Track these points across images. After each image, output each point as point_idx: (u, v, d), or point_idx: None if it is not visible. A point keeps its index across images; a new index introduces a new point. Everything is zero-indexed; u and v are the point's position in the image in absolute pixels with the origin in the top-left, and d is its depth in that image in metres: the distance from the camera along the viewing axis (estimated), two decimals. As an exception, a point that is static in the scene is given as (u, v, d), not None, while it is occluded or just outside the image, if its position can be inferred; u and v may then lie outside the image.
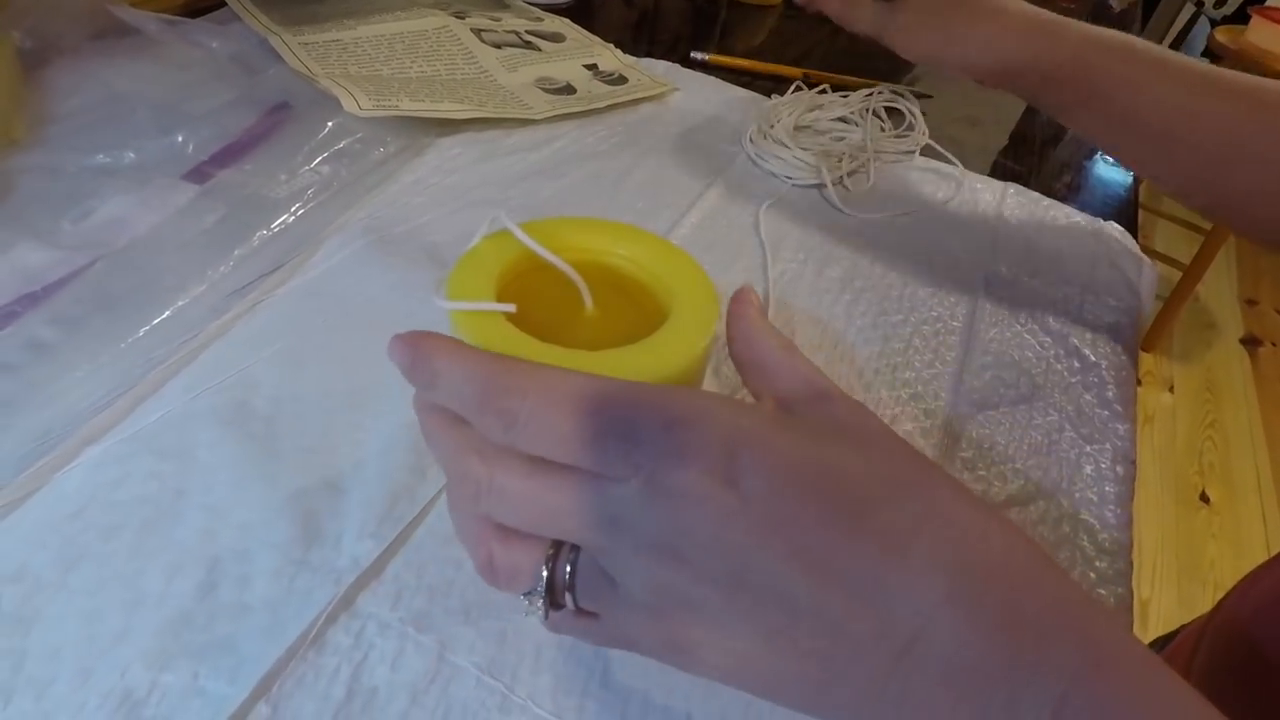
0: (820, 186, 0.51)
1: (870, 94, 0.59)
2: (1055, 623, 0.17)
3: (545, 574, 0.20)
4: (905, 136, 0.57)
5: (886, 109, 0.60)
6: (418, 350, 0.21)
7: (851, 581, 0.17)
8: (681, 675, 0.26)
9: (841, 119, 0.57)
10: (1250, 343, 2.05)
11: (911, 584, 0.17)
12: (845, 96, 0.59)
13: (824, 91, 0.60)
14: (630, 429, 0.18)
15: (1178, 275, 1.81)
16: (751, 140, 0.54)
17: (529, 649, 0.26)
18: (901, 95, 0.60)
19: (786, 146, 0.52)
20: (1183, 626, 0.47)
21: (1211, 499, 1.65)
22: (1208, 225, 1.75)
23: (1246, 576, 0.40)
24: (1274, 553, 0.39)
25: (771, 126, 0.54)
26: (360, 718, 0.24)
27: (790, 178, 0.52)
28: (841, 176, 0.52)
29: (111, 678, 0.24)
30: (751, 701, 0.26)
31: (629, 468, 0.18)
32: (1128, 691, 0.17)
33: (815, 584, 0.17)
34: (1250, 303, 2.18)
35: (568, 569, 0.20)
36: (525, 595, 0.21)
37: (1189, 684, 0.17)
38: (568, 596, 0.20)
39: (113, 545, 0.27)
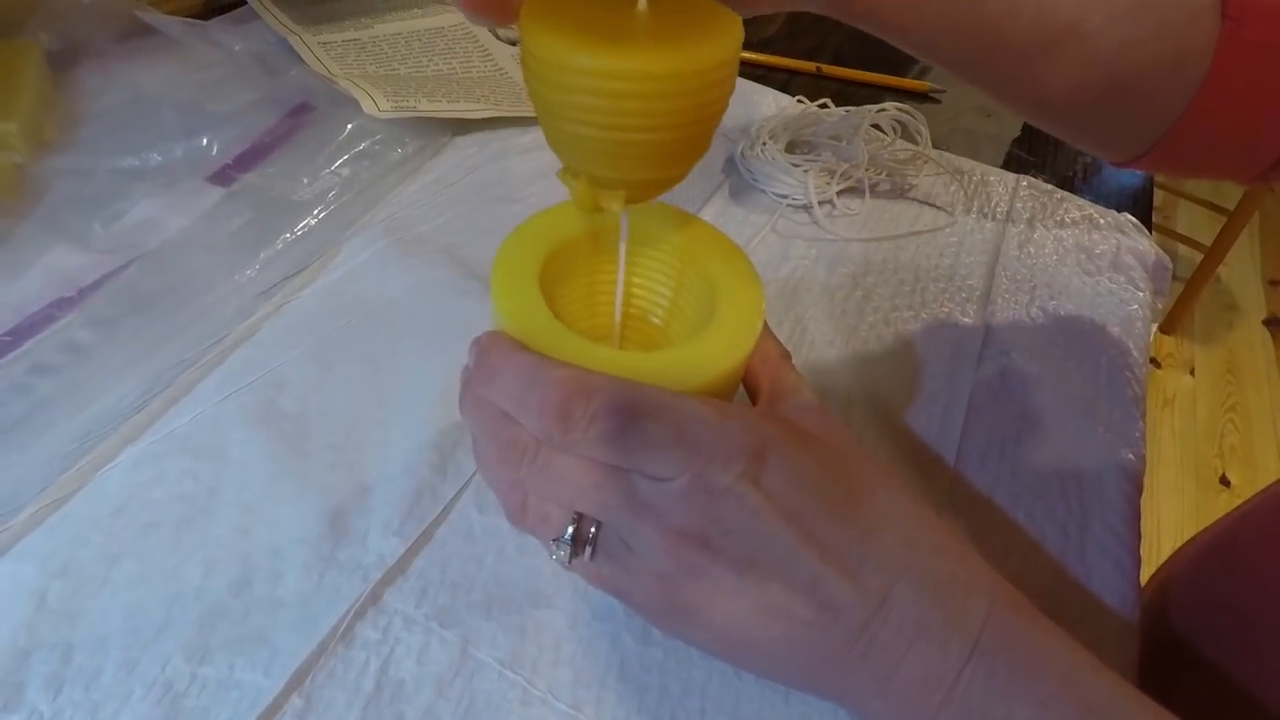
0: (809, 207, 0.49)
1: (875, 110, 0.54)
2: (971, 583, 0.23)
3: (572, 529, 0.23)
4: (906, 159, 0.53)
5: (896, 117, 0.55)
6: (480, 349, 0.24)
7: (841, 558, 0.22)
8: (696, 670, 0.27)
9: (835, 136, 0.53)
10: (1273, 324, 2.02)
11: (882, 559, 0.22)
12: (847, 112, 0.54)
13: (824, 105, 0.56)
14: (680, 436, 0.21)
15: (1199, 256, 1.79)
16: (743, 155, 0.51)
17: (548, 643, 0.27)
18: (907, 112, 0.54)
19: (777, 163, 0.50)
20: None
21: (1232, 482, 1.64)
22: (1230, 206, 1.72)
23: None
24: None
25: (764, 143, 0.51)
26: (389, 710, 0.25)
27: (784, 196, 0.49)
28: (832, 198, 0.49)
29: (154, 669, 0.25)
30: (764, 696, 0.27)
31: (677, 469, 0.21)
32: (1020, 628, 0.22)
33: (814, 561, 0.21)
34: (1274, 283, 2.15)
35: (593, 529, 0.23)
36: (552, 541, 0.23)
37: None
38: (588, 550, 0.23)
39: (152, 541, 0.29)
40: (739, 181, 0.51)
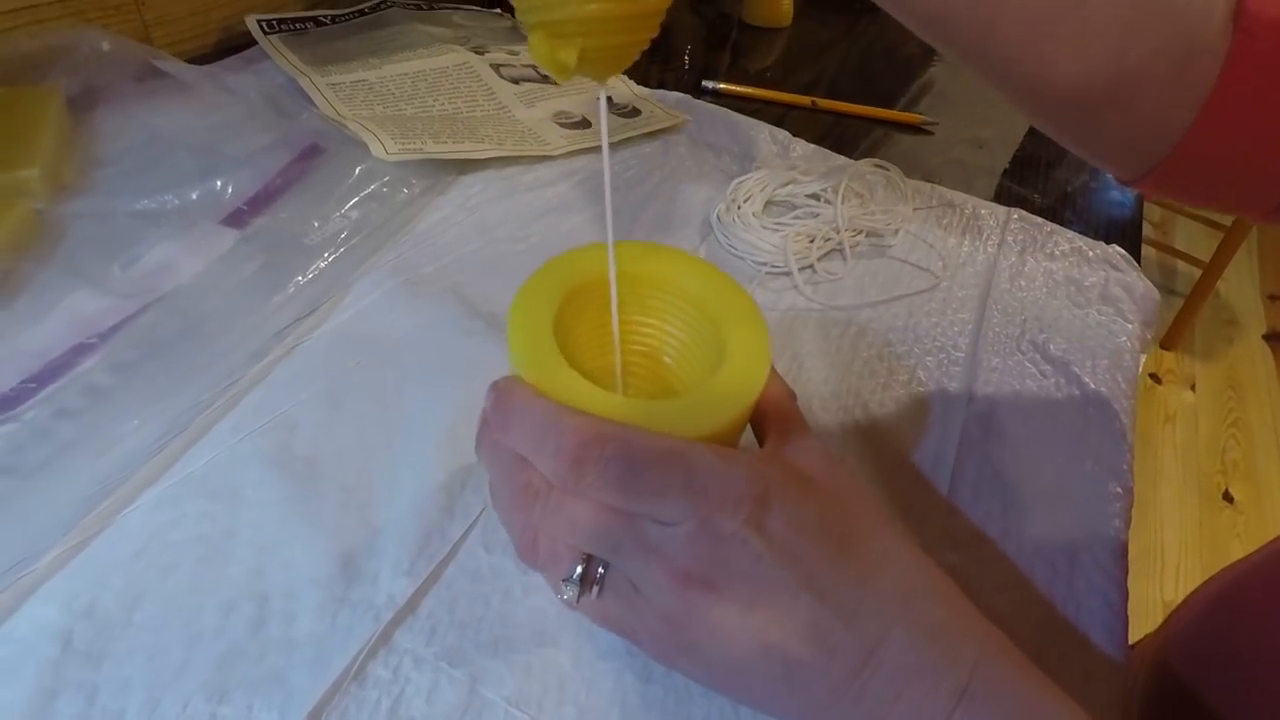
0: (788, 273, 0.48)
1: (853, 166, 0.54)
2: (962, 630, 0.24)
3: (580, 569, 0.24)
4: (885, 217, 0.52)
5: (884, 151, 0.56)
6: (497, 395, 0.25)
7: (838, 602, 0.23)
8: (696, 709, 0.28)
9: (814, 195, 0.53)
10: (1273, 339, 2.03)
11: (877, 605, 0.23)
12: (825, 173, 0.54)
13: (810, 150, 0.57)
14: (687, 483, 0.22)
15: (1198, 272, 1.80)
16: (719, 219, 0.50)
17: (553, 682, 0.28)
18: (884, 168, 0.54)
19: (752, 229, 0.49)
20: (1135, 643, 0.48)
21: (1235, 498, 1.64)
22: (1228, 221, 1.73)
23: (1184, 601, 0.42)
24: None
25: (739, 206, 0.50)
26: (400, 747, 0.26)
27: (763, 264, 0.48)
28: (812, 263, 0.49)
29: (175, 709, 0.26)
30: (758, 731, 0.28)
31: (685, 514, 0.22)
32: (1009, 676, 0.23)
33: (814, 604, 0.22)
34: (1273, 298, 2.16)
35: (600, 570, 0.24)
36: (561, 580, 0.25)
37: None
38: (595, 590, 0.24)
39: (171, 583, 0.30)
40: (715, 246, 0.50)
